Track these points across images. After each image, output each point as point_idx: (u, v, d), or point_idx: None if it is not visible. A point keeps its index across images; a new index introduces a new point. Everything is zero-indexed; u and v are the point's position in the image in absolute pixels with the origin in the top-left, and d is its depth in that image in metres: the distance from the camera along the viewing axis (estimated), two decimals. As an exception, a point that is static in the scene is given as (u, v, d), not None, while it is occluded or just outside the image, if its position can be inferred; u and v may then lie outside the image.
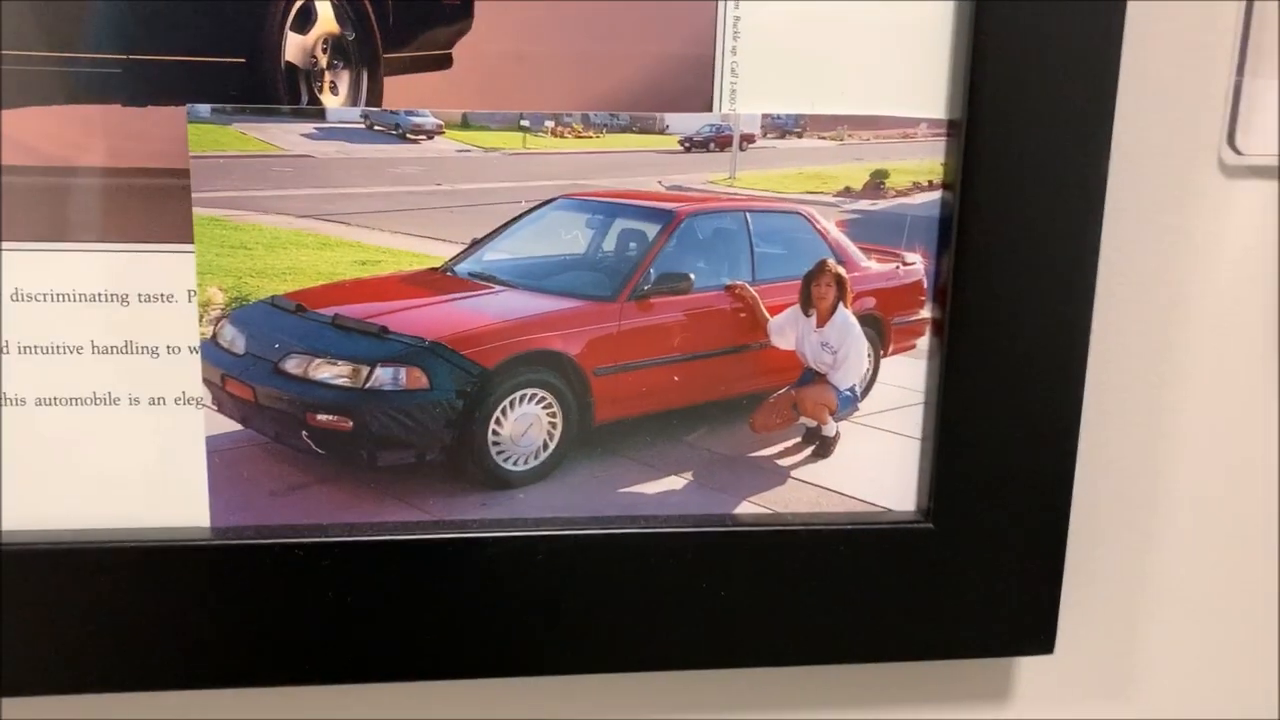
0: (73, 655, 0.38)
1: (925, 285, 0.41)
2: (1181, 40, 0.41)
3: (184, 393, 0.38)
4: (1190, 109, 0.42)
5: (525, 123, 0.37)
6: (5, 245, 0.36)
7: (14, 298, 0.37)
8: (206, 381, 0.38)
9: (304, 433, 0.38)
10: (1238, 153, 0.42)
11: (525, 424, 0.39)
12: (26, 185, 0.36)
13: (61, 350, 0.37)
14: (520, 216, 0.38)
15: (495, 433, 0.39)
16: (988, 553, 0.42)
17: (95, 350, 0.37)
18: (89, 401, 0.38)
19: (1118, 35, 0.38)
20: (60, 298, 0.37)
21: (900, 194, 0.40)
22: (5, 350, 0.37)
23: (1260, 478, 0.46)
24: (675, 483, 0.41)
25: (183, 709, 0.42)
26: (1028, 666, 0.47)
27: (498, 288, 0.38)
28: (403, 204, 0.37)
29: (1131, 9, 0.38)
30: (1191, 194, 0.43)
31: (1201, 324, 0.44)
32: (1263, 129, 0.42)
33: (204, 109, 0.36)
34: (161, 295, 0.37)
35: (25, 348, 0.37)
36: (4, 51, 0.35)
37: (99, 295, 0.37)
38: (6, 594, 0.37)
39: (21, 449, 0.38)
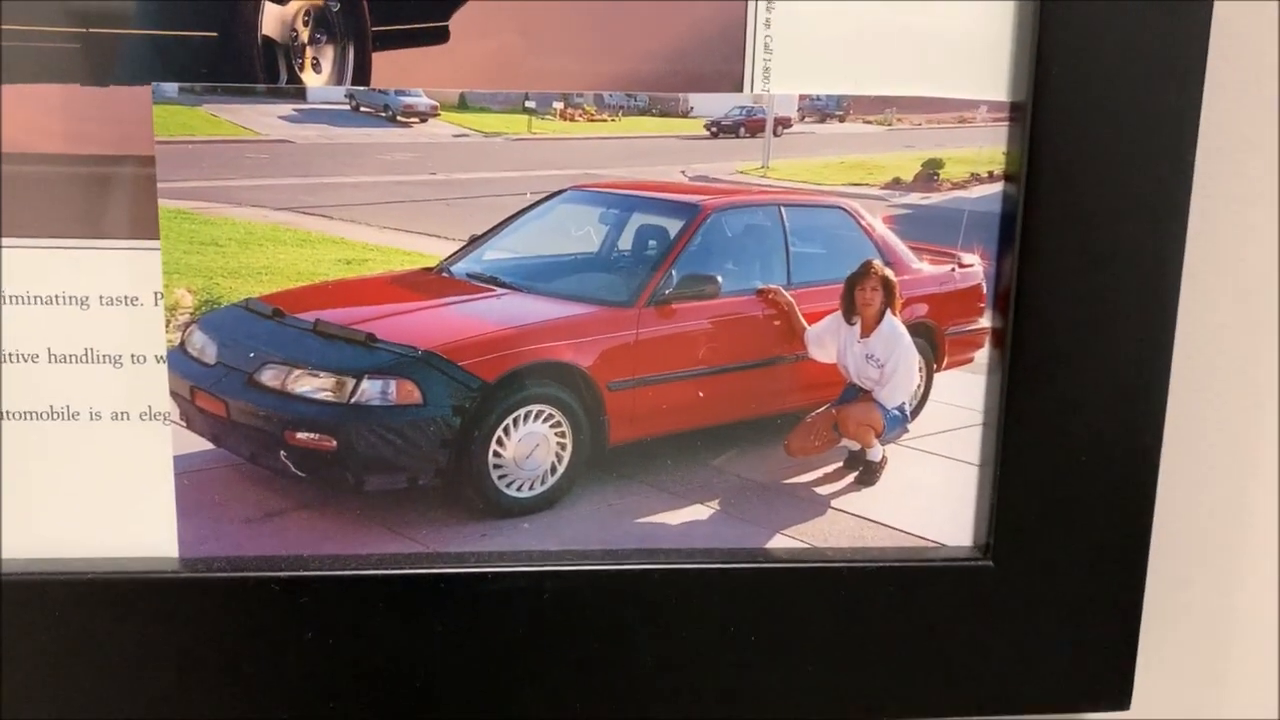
0: (30, 690, 0.34)
1: (984, 290, 0.36)
2: (1272, 27, 0.37)
3: (150, 407, 0.34)
4: (1287, 93, 0.37)
5: (531, 104, 0.33)
6: (-47, 241, 0.33)
7: (-37, 299, 0.33)
8: (174, 394, 0.34)
9: (282, 453, 0.35)
10: (1341, 142, 0.38)
11: (530, 445, 0.36)
12: (-24, 174, 0.32)
13: (14, 359, 0.34)
14: (525, 210, 0.34)
15: (497, 454, 0.35)
16: (1055, 594, 0.38)
17: (52, 358, 0.34)
18: (45, 416, 0.34)
19: (1207, 15, 0.33)
20: (13, 300, 0.33)
21: (956, 186, 0.36)
22: (-48, 358, 0.33)
23: (1366, 512, 0.41)
24: (700, 512, 0.37)
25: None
26: (1099, 724, 0.42)
27: (499, 290, 0.35)
28: (392, 195, 0.34)
29: (1217, 9, 0.34)
30: (1287, 189, 0.38)
31: (1299, 337, 0.39)
32: (1371, 115, 0.37)
33: (171, 88, 0.32)
34: (125, 298, 0.34)
35: (-25, 355, 0.33)
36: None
37: (56, 297, 0.33)
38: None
39: (-30, 468, 0.34)
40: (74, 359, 0.34)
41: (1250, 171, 0.38)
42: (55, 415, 0.34)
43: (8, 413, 0.34)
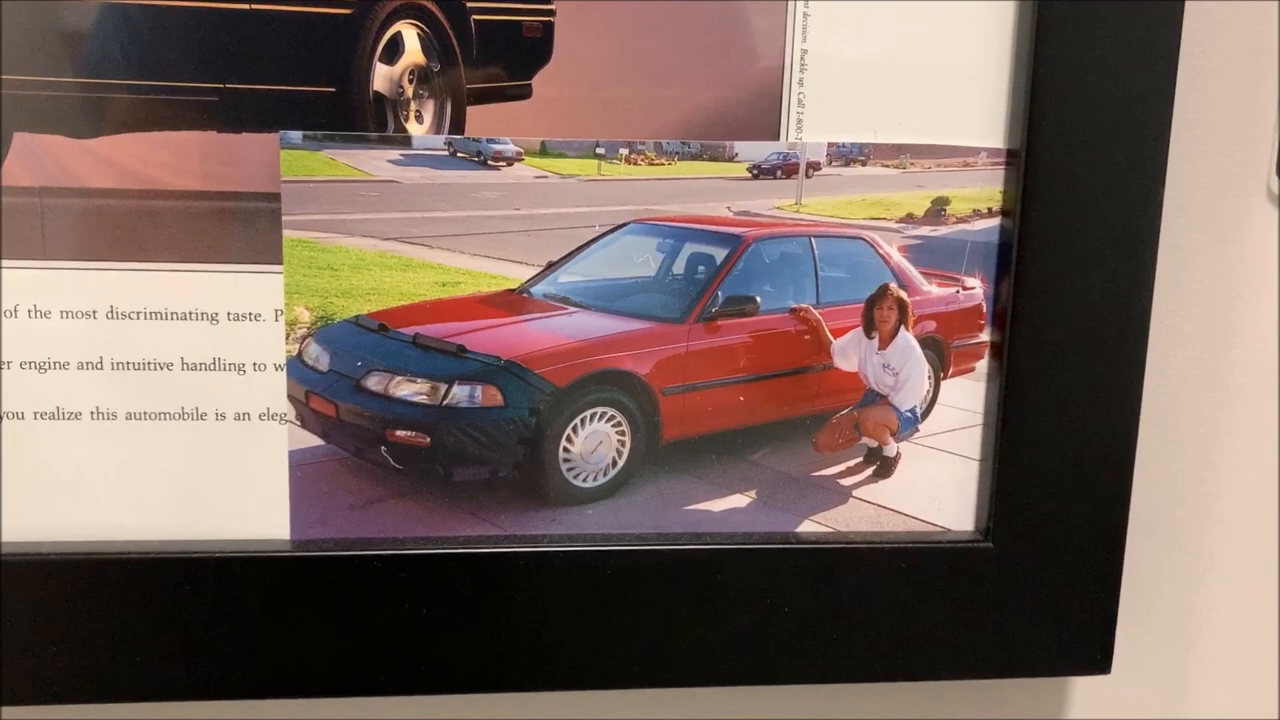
0: (158, 662, 0.39)
1: (984, 309, 0.42)
2: (1232, 76, 0.42)
3: (268, 408, 0.39)
4: (1241, 141, 0.43)
5: (600, 150, 0.39)
6: (101, 266, 0.38)
7: (109, 315, 0.38)
8: (291, 398, 0.39)
9: (383, 448, 0.40)
10: (1288, 182, 0.44)
11: (595, 442, 0.41)
12: (124, 208, 0.38)
13: (152, 366, 0.39)
14: (594, 240, 0.39)
15: (566, 450, 0.40)
16: (1045, 572, 0.43)
17: (184, 367, 0.39)
18: (177, 416, 0.39)
19: (1172, 70, 0.39)
20: (153, 316, 0.38)
21: (960, 220, 0.41)
22: (99, 365, 0.38)
23: (1312, 502, 0.46)
24: (739, 500, 0.42)
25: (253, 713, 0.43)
26: (1083, 687, 0.47)
27: (571, 309, 0.40)
28: (482, 227, 0.39)
29: (1185, 47, 0.39)
30: (1242, 223, 0.44)
31: (1254, 349, 0.45)
32: (1313, 159, 0.43)
33: (296, 136, 0.37)
34: (250, 314, 0.39)
35: (118, 364, 0.39)
36: (103, 80, 0.37)
37: (189, 314, 0.39)
38: (100, 600, 0.38)
39: (110, 461, 0.39)
40: (203, 367, 0.39)
41: (1211, 206, 0.44)
42: (185, 415, 0.39)
43: (143, 413, 0.39)
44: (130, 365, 0.39)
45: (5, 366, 0.38)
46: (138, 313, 0.38)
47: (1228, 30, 0.42)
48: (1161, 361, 0.44)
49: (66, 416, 0.39)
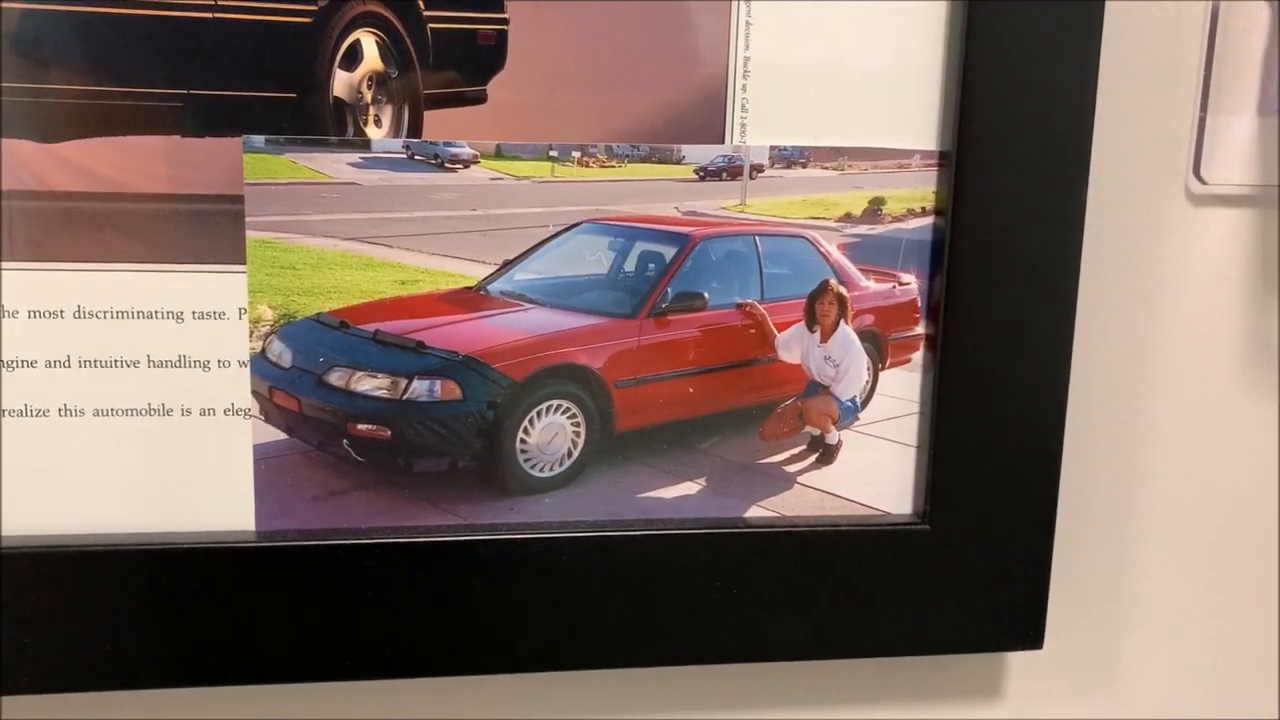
0: (128, 649, 0.40)
1: (919, 304, 0.44)
2: (1152, 82, 0.45)
3: (233, 404, 0.41)
4: (1160, 143, 0.46)
5: (554, 153, 0.40)
6: (67, 266, 0.39)
7: (76, 315, 0.39)
8: (255, 393, 0.40)
9: (345, 441, 0.41)
10: (1203, 182, 0.46)
11: (551, 433, 0.42)
12: (90, 210, 0.39)
13: (119, 364, 0.40)
14: (548, 239, 0.41)
15: (523, 441, 0.42)
16: (979, 553, 0.45)
17: (151, 364, 0.40)
18: (144, 412, 0.40)
19: (1093, 75, 0.42)
20: (119, 315, 0.39)
21: (896, 220, 0.43)
22: (67, 364, 0.39)
23: (1230, 482, 0.49)
24: (690, 488, 0.44)
25: (216, 705, 0.44)
26: (1018, 663, 0.50)
27: (527, 305, 0.41)
28: (440, 228, 0.40)
29: (1105, 55, 0.42)
30: (1162, 220, 0.46)
31: (1173, 339, 0.47)
32: (1224, 161, 0.46)
33: (259, 140, 0.39)
34: (214, 313, 0.40)
35: (85, 362, 0.40)
36: (71, 86, 0.38)
37: (155, 313, 0.40)
38: (58, 595, 0.39)
39: (77, 458, 0.40)
40: (169, 364, 0.40)
41: (1133, 204, 0.46)
42: (151, 412, 0.40)
43: (111, 410, 0.40)
44: (97, 363, 0.40)
45: (-28, 365, 0.39)
46: (104, 312, 0.39)
47: (1147, 34, 0.45)
48: (1087, 353, 0.47)
49: (34, 414, 0.40)
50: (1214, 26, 0.45)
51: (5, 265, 0.39)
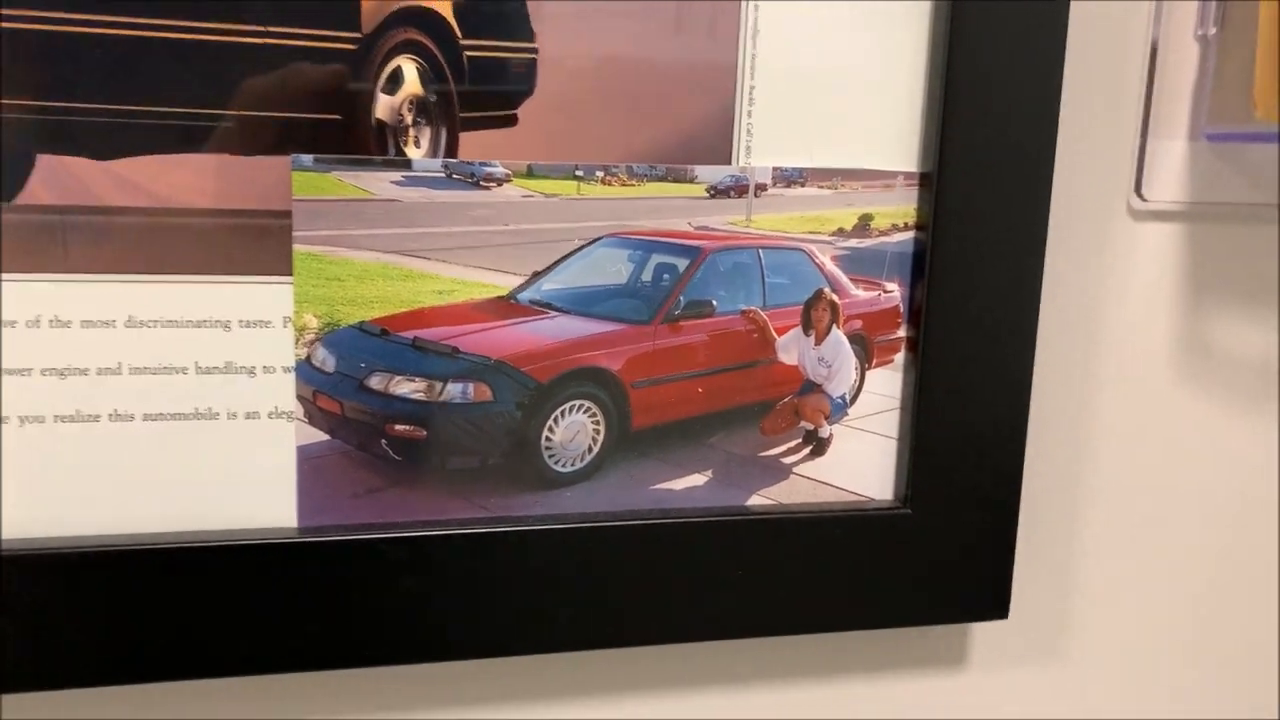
0: (179, 640, 0.42)
1: (901, 310, 0.48)
2: (1101, 112, 0.50)
3: (276, 407, 0.43)
4: (1107, 165, 0.51)
5: (579, 173, 0.44)
6: (120, 278, 0.41)
7: (127, 324, 0.41)
8: (300, 397, 0.43)
9: (383, 441, 0.44)
10: (1143, 200, 0.52)
11: (573, 431, 0.46)
12: (143, 224, 0.41)
13: (169, 370, 0.42)
14: (573, 252, 0.44)
15: (548, 439, 0.45)
16: (953, 534, 0.50)
17: (199, 370, 0.42)
18: (191, 416, 0.42)
19: (1055, 108, 0.47)
20: (169, 324, 0.42)
21: (882, 234, 0.48)
22: (118, 371, 0.41)
23: (1165, 467, 0.55)
24: (698, 479, 0.47)
25: (261, 692, 0.46)
26: (983, 630, 0.55)
27: (553, 313, 0.45)
28: (476, 241, 0.43)
29: (1064, 88, 0.47)
30: (1108, 233, 0.52)
31: (1117, 338, 0.53)
32: (1163, 181, 0.52)
33: (307, 159, 0.41)
34: (260, 321, 0.42)
35: (135, 369, 0.42)
36: (127, 106, 0.40)
37: (204, 322, 0.42)
38: (121, 590, 0.41)
39: (127, 460, 0.42)
40: (216, 370, 0.42)
41: (1084, 220, 0.52)
42: (199, 415, 0.43)
43: (160, 414, 0.42)
44: (147, 370, 0.42)
45: (24, 374, 0.41)
46: (155, 321, 0.41)
47: (1097, 70, 0.50)
48: (1044, 352, 0.52)
49: (86, 419, 0.41)
50: (1153, 63, 0.51)
51: (62, 277, 0.40)
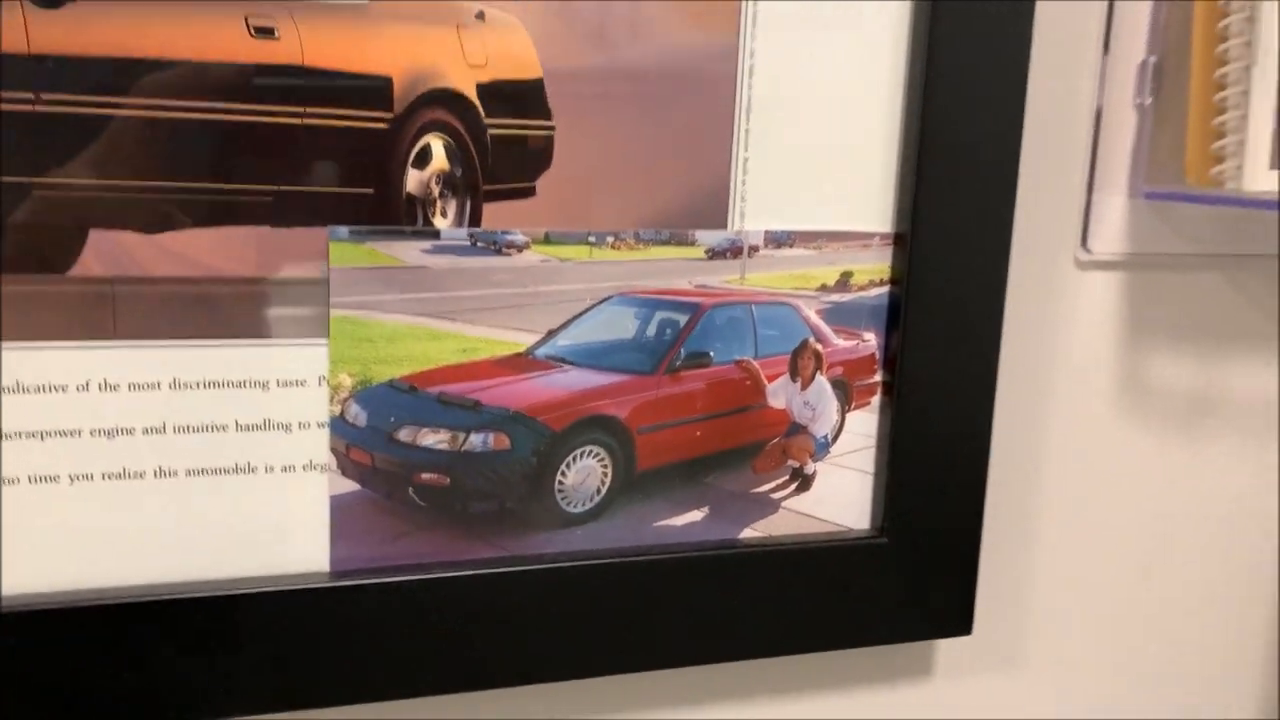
0: (221, 678, 0.45)
1: (878, 357, 0.53)
2: (1051, 173, 0.56)
3: (311, 460, 0.46)
4: (1056, 221, 0.56)
5: (591, 239, 0.47)
6: (165, 344, 0.43)
7: (171, 386, 0.44)
8: (333, 450, 0.46)
9: (411, 490, 0.47)
10: (1088, 252, 0.57)
11: (584, 474, 0.49)
12: (190, 293, 0.43)
13: (210, 429, 0.44)
14: (585, 310, 0.48)
15: (560, 483, 0.49)
16: (924, 559, 0.55)
17: (238, 428, 0.45)
18: (231, 471, 0.45)
19: (1014, 173, 0.52)
20: (211, 385, 0.44)
21: (861, 289, 0.52)
22: (162, 430, 0.44)
23: (1111, 492, 0.61)
24: (696, 515, 0.52)
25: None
26: (948, 645, 0.60)
27: (566, 367, 0.48)
28: (497, 303, 0.47)
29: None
30: (1057, 283, 0.57)
31: (1066, 376, 0.59)
32: (1106, 235, 0.57)
33: (343, 230, 0.44)
34: (296, 381, 0.45)
35: (179, 428, 0.44)
36: (173, 183, 0.42)
37: (244, 382, 0.45)
38: (170, 632, 0.44)
39: (171, 513, 0.44)
40: (255, 427, 0.45)
41: (1035, 270, 0.57)
42: (239, 470, 0.45)
43: (201, 469, 0.45)
44: (190, 429, 0.44)
45: (75, 435, 0.43)
46: (197, 383, 0.44)
47: (1049, 135, 0.55)
48: (1004, 394, 0.57)
49: (131, 476, 0.44)
50: (1097, 129, 0.56)
51: (112, 343, 0.43)
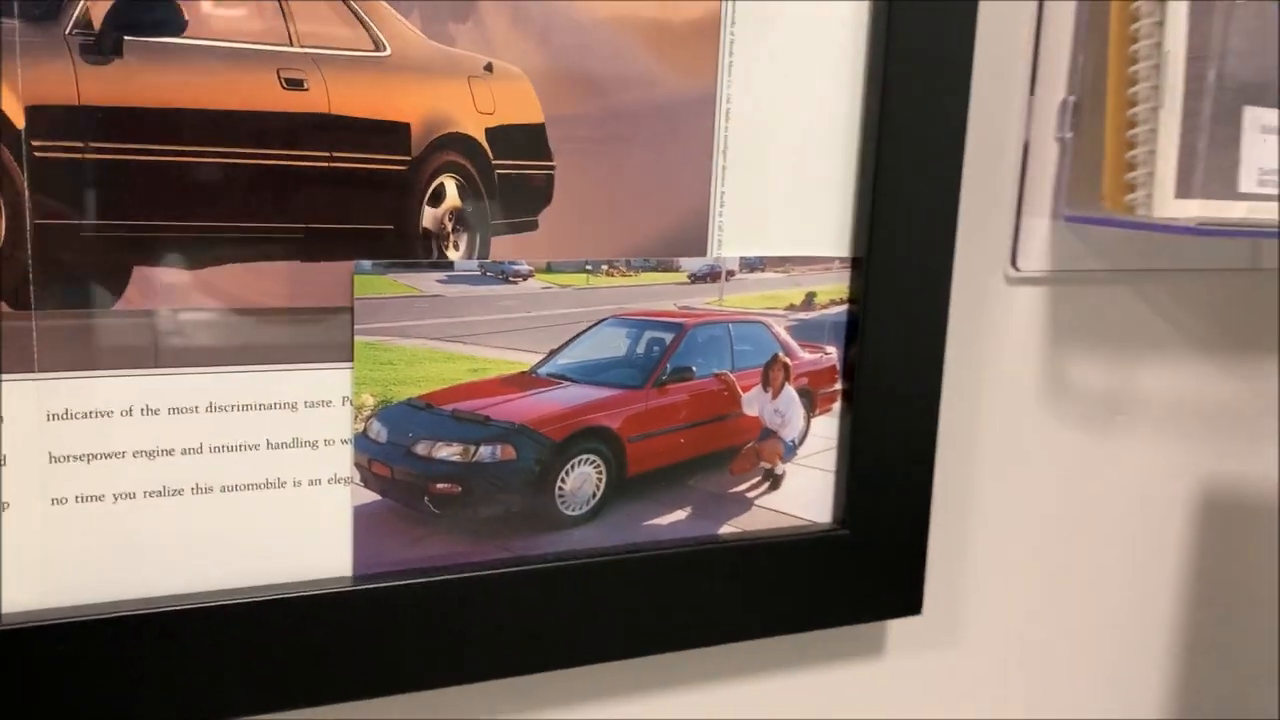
0: (252, 678, 0.49)
1: (838, 368, 0.59)
2: (985, 200, 0.62)
3: (336, 474, 0.50)
4: (989, 242, 0.63)
5: (588, 267, 0.52)
6: (202, 371, 0.47)
7: (208, 410, 0.47)
8: (356, 465, 0.50)
9: (426, 499, 0.51)
10: (1017, 270, 0.64)
11: (581, 480, 0.54)
12: (223, 323, 0.47)
13: (244, 448, 0.48)
14: (582, 332, 0.53)
15: (560, 488, 0.54)
16: (880, 548, 0.61)
17: (269, 446, 0.49)
18: (261, 486, 0.49)
19: (955, 202, 0.58)
20: (244, 408, 0.48)
21: (823, 308, 0.58)
22: (199, 450, 0.47)
23: (1039, 484, 0.68)
24: (680, 515, 0.57)
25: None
26: (898, 625, 0.66)
27: (566, 383, 0.53)
28: (504, 326, 0.51)
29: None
30: (990, 297, 0.64)
31: (999, 382, 0.65)
32: (1033, 253, 0.64)
33: (367, 264, 0.48)
34: (322, 402, 0.49)
35: (214, 448, 0.48)
36: (212, 223, 0.46)
37: (274, 404, 0.48)
38: (210, 636, 0.48)
39: (207, 527, 0.48)
40: (284, 445, 0.49)
41: (970, 287, 0.63)
42: (269, 485, 0.49)
43: (235, 486, 0.48)
44: (224, 449, 0.48)
45: (119, 457, 0.46)
46: (231, 406, 0.48)
47: (983, 164, 0.62)
48: (946, 397, 0.64)
49: (171, 494, 0.47)
50: (1025, 159, 0.63)
51: (153, 371, 0.46)
